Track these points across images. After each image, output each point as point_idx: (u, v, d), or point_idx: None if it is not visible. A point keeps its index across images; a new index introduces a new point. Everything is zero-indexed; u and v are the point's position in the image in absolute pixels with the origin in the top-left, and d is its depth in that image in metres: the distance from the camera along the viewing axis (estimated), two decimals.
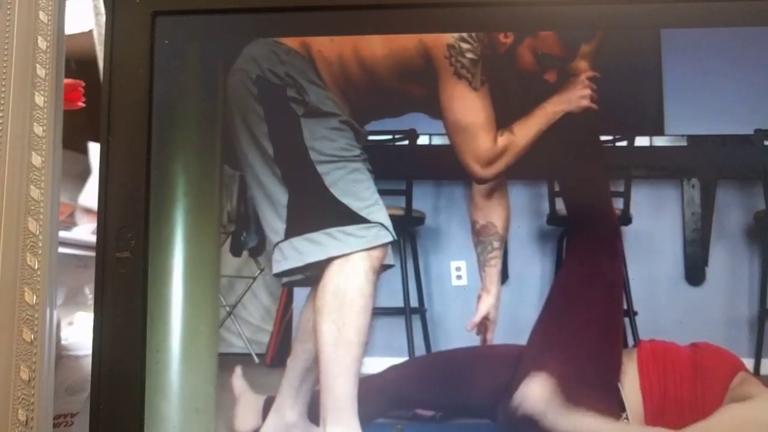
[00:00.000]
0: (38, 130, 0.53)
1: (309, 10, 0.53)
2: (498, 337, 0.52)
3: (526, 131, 0.52)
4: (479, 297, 0.53)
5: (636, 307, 0.52)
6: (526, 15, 0.52)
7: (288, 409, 0.53)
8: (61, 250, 0.90)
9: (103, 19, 0.57)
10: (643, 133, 0.54)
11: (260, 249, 0.56)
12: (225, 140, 0.54)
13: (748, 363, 0.50)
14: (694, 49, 0.52)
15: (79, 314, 0.87)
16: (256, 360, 0.55)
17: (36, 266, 0.50)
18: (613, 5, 0.51)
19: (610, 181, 0.52)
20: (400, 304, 0.55)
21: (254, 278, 0.56)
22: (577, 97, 0.52)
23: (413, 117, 0.55)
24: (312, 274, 0.53)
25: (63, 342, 0.81)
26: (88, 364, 0.51)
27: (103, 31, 0.71)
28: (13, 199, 0.50)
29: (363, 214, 0.52)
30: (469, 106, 0.52)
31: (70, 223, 0.99)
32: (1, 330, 0.48)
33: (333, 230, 0.52)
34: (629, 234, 0.52)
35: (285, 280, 0.54)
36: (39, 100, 0.54)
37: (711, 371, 0.50)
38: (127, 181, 0.52)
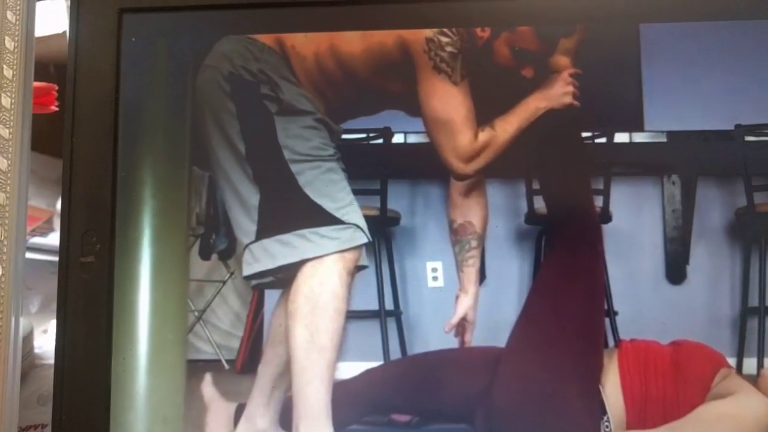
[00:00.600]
0: (4, 132, 0.52)
1: (281, 6, 0.52)
2: (476, 338, 0.51)
3: (507, 127, 0.51)
4: (457, 297, 0.52)
5: (616, 306, 0.51)
6: (503, 9, 0.51)
7: (259, 417, 0.51)
8: (37, 256, 0.89)
9: None
10: (622, 130, 0.53)
11: (230, 252, 0.54)
12: (194, 140, 0.53)
13: (731, 362, 0.50)
14: (674, 44, 0.51)
15: (54, 322, 0.86)
16: (227, 366, 0.53)
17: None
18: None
19: (591, 178, 0.51)
20: (375, 306, 0.54)
21: (224, 282, 0.55)
22: (560, 93, 0.51)
23: (388, 115, 0.54)
24: (283, 277, 0.52)
25: (36, 350, 0.79)
26: None
27: None
28: None
29: (338, 215, 0.51)
30: (449, 101, 0.51)
31: (46, 229, 0.97)
32: None
33: (306, 231, 0.51)
34: (609, 232, 0.51)
35: (255, 282, 0.53)
36: (5, 101, 0.53)
37: (692, 369, 0.49)
38: (92, 182, 0.50)
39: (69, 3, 0.87)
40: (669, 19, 0.50)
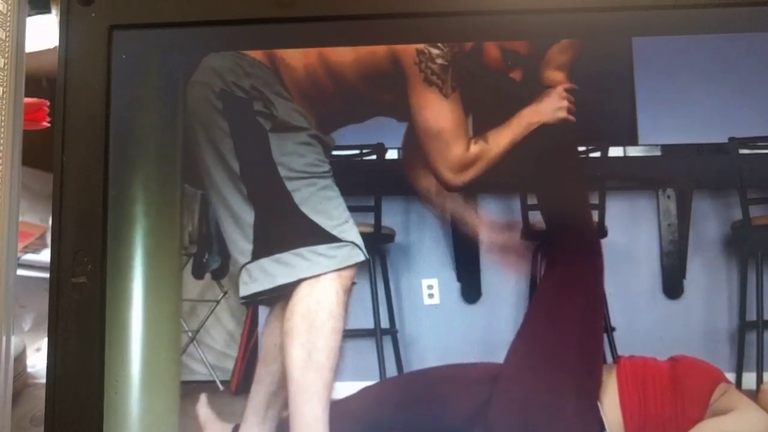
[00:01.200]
0: None
1: (273, 23, 0.52)
2: (473, 355, 0.51)
3: (500, 140, 0.51)
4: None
5: (613, 322, 0.50)
6: (496, 24, 0.50)
7: None
8: (30, 273, 0.88)
9: None
10: (616, 144, 0.53)
11: (223, 271, 0.54)
12: (186, 158, 0.53)
13: (730, 377, 0.49)
14: (667, 57, 0.51)
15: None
16: (221, 387, 0.53)
17: None
18: (584, 13, 0.50)
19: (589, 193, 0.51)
20: (370, 325, 0.53)
21: (217, 302, 0.54)
22: (554, 108, 0.51)
23: (381, 130, 0.53)
24: (278, 295, 0.51)
25: (29, 369, 0.78)
26: None
27: None
28: None
29: (334, 232, 0.51)
30: (440, 112, 0.51)
31: (40, 245, 0.96)
32: None
33: (303, 250, 0.51)
34: (605, 247, 0.51)
35: (247, 301, 0.52)
36: None
37: (690, 385, 0.49)
38: (83, 201, 0.49)
39: (59, 18, 0.87)
40: (662, 33, 0.50)
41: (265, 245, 0.51)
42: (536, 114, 0.51)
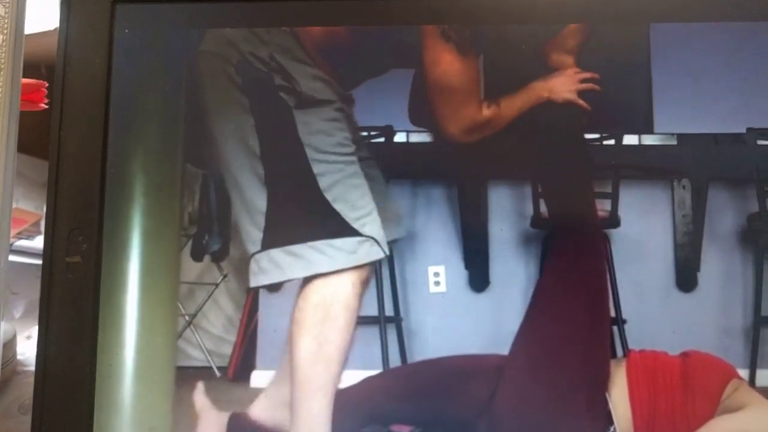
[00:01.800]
0: None
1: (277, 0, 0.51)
2: (479, 346, 0.49)
3: (512, 107, 0.49)
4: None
5: (625, 315, 0.49)
6: (511, 5, 0.49)
7: None
8: (22, 259, 0.86)
9: None
10: (631, 132, 0.52)
11: (223, 253, 0.52)
12: (188, 136, 0.51)
13: (743, 374, 0.48)
14: (685, 45, 0.50)
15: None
16: (218, 374, 0.51)
17: None
18: None
19: (596, 181, 0.50)
20: (374, 312, 0.51)
21: (216, 285, 0.53)
22: (564, 88, 0.49)
23: (390, 114, 0.52)
24: (290, 284, 0.49)
25: (19, 357, 0.77)
26: None
27: None
28: None
29: (356, 225, 0.48)
30: (455, 68, 0.49)
31: (33, 232, 0.95)
32: None
33: (319, 243, 0.48)
34: (617, 238, 0.49)
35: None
36: None
37: (701, 381, 0.47)
38: (80, 179, 0.48)
39: None
40: (680, 20, 0.49)
41: (278, 234, 0.48)
42: (546, 89, 0.50)
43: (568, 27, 0.50)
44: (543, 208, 0.51)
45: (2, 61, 0.52)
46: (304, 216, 0.49)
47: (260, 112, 0.50)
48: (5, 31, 0.53)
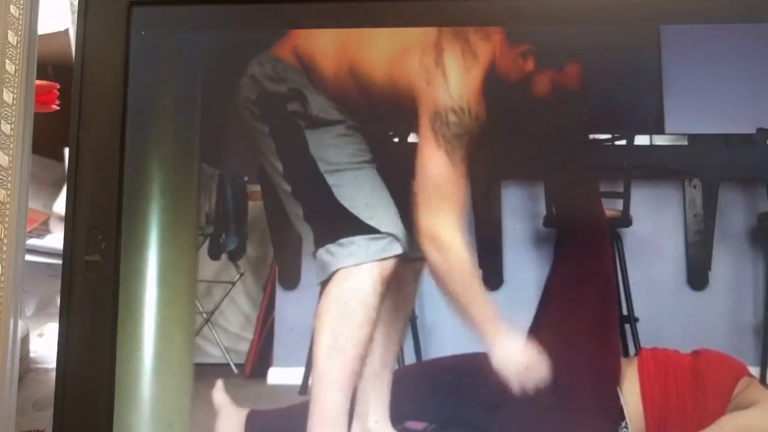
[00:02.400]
0: (6, 128, 0.50)
1: (291, 2, 0.51)
2: None
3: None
4: None
5: (637, 313, 0.49)
6: (522, 7, 0.50)
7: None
8: (33, 258, 0.87)
9: None
10: (642, 132, 0.52)
11: (240, 252, 0.53)
12: (204, 136, 0.52)
13: (754, 371, 0.48)
14: (695, 46, 0.50)
15: (50, 325, 0.84)
16: (235, 370, 0.52)
17: None
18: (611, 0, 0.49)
19: (606, 181, 0.50)
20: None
21: (233, 283, 0.53)
22: None
23: None
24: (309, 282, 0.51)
25: (32, 354, 0.77)
26: None
27: None
28: None
29: (373, 224, 0.50)
30: (442, 175, 0.50)
31: (43, 231, 0.96)
32: None
33: (344, 240, 0.50)
34: (629, 237, 0.50)
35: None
36: (7, 97, 0.51)
37: (712, 378, 0.48)
38: (99, 178, 0.49)
39: (72, 0, 0.86)
40: (689, 21, 0.50)
41: (319, 236, 0.51)
42: None
43: None
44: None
45: (17, 61, 0.52)
46: (330, 219, 0.51)
47: (278, 136, 0.52)
48: (20, 33, 0.53)
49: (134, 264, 0.48)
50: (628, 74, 0.51)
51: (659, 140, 0.52)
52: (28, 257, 0.85)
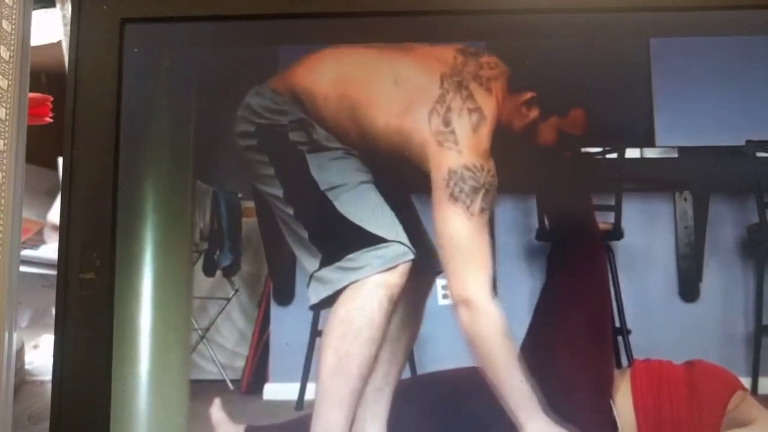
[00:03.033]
0: None
1: (284, 18, 0.51)
2: None
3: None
4: None
5: (629, 324, 0.50)
6: (512, 23, 0.50)
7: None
8: (27, 269, 0.87)
9: None
10: (633, 145, 0.53)
11: (234, 268, 0.53)
12: (198, 153, 0.52)
13: (746, 382, 0.49)
14: (684, 59, 0.51)
15: (45, 337, 0.84)
16: (231, 386, 0.52)
17: None
18: (601, 14, 0.49)
19: (598, 194, 0.51)
20: None
21: (228, 299, 0.54)
22: None
23: None
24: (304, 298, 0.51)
25: (27, 366, 0.77)
26: None
27: None
28: None
29: (379, 233, 0.50)
30: (463, 231, 0.49)
31: (37, 241, 0.95)
32: None
33: (353, 254, 0.50)
34: (621, 249, 0.50)
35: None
36: (0, 112, 0.51)
37: (707, 391, 0.48)
38: (92, 196, 0.48)
39: (65, 13, 0.86)
40: (679, 34, 0.50)
41: (327, 255, 0.51)
42: None
43: None
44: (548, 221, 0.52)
45: (10, 76, 0.52)
46: (337, 236, 0.51)
47: (277, 163, 0.52)
48: (12, 48, 0.53)
49: (129, 281, 0.48)
50: (619, 87, 0.51)
51: (650, 153, 0.53)
52: (23, 268, 0.85)
